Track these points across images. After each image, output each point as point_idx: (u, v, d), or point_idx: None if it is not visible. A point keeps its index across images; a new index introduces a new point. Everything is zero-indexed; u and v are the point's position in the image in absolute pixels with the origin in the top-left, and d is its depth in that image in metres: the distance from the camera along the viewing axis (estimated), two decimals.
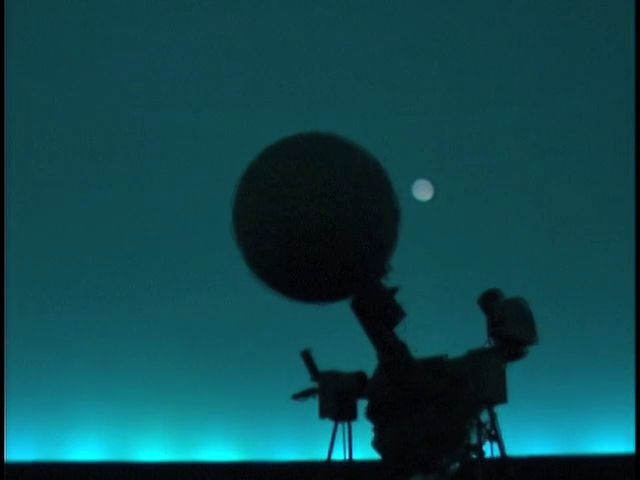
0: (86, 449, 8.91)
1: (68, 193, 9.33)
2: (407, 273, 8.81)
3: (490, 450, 4.43)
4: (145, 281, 9.16)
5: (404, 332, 4.36)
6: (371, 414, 4.50)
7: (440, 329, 8.13)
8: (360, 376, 4.72)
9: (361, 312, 4.27)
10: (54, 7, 9.09)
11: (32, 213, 9.12)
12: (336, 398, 4.76)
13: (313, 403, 4.86)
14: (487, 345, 4.55)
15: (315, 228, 3.88)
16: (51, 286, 9.17)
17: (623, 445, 8.82)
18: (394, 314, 4.30)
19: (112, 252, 9.23)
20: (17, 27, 8.34)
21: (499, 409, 4.49)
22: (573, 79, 9.46)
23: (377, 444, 4.44)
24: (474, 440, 4.38)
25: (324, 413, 4.85)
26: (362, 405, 4.64)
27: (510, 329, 4.53)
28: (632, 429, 8.58)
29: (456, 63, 9.55)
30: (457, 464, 4.37)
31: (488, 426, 4.41)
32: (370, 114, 9.37)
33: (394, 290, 4.30)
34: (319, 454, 4.98)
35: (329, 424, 4.82)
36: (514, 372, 4.54)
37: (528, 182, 9.52)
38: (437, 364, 4.46)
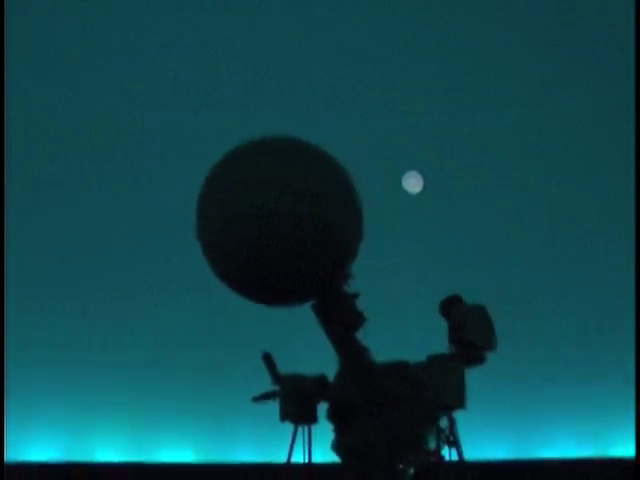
0: (41, 450, 8.85)
1: (68, 193, 9.32)
2: (407, 273, 8.85)
3: (449, 455, 4.44)
4: (142, 282, 9.16)
5: (366, 337, 4.38)
6: (332, 417, 4.51)
7: (439, 329, 8.12)
8: (321, 379, 4.73)
9: (323, 316, 4.28)
10: (54, 7, 9.09)
11: (32, 213, 9.11)
12: (297, 401, 4.75)
13: (274, 406, 4.85)
14: (447, 351, 4.55)
15: (286, 225, 3.82)
16: (51, 286, 9.17)
17: (587, 449, 8.91)
18: (356, 319, 4.30)
19: (112, 252, 9.23)
20: (17, 27, 8.34)
21: (458, 414, 4.49)
22: (573, 79, 9.46)
23: (337, 447, 4.46)
24: (433, 445, 4.39)
25: (285, 416, 4.85)
26: (322, 408, 4.64)
27: (470, 335, 4.53)
28: (586, 434, 8.77)
29: (456, 63, 9.55)
30: (412, 469, 4.38)
31: (447, 432, 4.42)
32: (370, 114, 9.37)
33: (355, 295, 4.30)
34: (279, 456, 4.98)
35: (289, 427, 4.82)
36: (473, 377, 4.54)
37: (528, 182, 9.52)
38: (398, 369, 4.47)
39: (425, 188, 9.46)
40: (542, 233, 9.41)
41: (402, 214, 9.26)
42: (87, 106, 9.26)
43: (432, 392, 4.34)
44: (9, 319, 7.11)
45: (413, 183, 9.25)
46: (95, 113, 9.27)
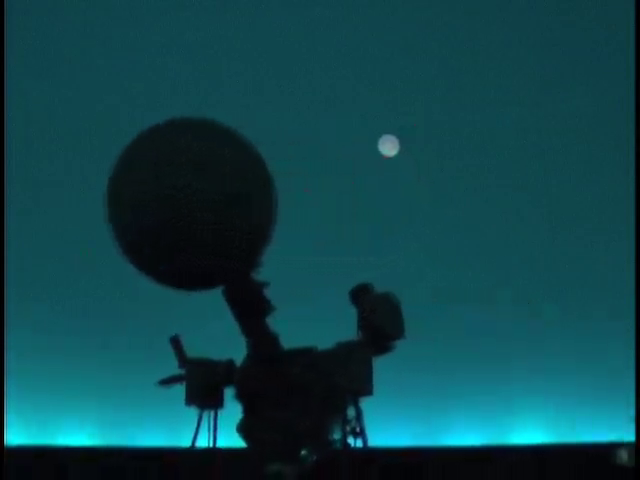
0: None
1: (68, 193, 9.33)
2: (407, 273, 8.85)
3: (354, 443, 4.43)
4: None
5: (274, 325, 4.41)
6: (239, 399, 4.53)
7: (438, 328, 8.13)
8: (228, 364, 4.71)
9: (233, 302, 4.30)
10: (54, 7, 9.10)
11: (32, 213, 9.12)
12: (203, 386, 4.75)
13: (180, 390, 4.84)
14: (356, 338, 4.57)
15: (201, 209, 3.78)
16: (51, 286, 9.18)
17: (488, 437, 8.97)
18: (265, 306, 4.34)
19: (112, 252, 9.21)
20: (17, 27, 8.34)
21: (364, 400, 4.50)
22: (573, 79, 9.47)
23: (242, 430, 4.46)
24: (337, 433, 4.40)
25: (190, 400, 4.83)
26: (229, 393, 4.64)
27: (380, 320, 4.55)
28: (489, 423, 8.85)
29: (456, 63, 9.56)
30: (314, 457, 4.39)
31: (354, 422, 4.42)
32: (370, 114, 9.37)
33: (264, 284, 4.31)
34: (183, 441, 4.97)
35: (195, 411, 4.82)
36: (382, 365, 4.55)
37: (528, 182, 9.52)
38: (305, 355, 4.48)
39: (425, 187, 9.46)
40: (542, 233, 9.42)
41: (402, 213, 9.26)
42: (87, 106, 9.26)
43: (338, 378, 4.36)
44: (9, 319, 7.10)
45: (389, 147, 9.25)
46: (95, 113, 9.28)
